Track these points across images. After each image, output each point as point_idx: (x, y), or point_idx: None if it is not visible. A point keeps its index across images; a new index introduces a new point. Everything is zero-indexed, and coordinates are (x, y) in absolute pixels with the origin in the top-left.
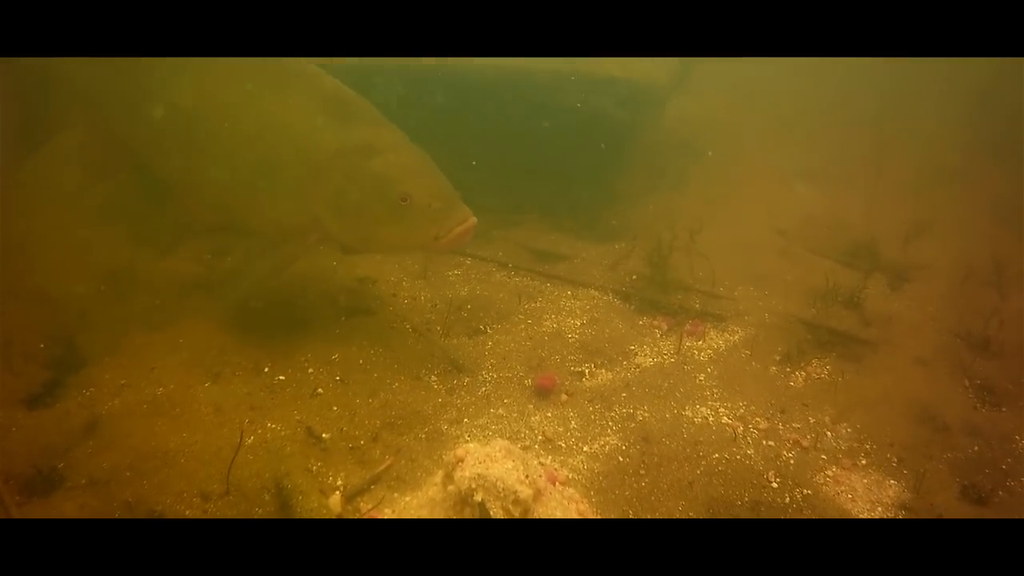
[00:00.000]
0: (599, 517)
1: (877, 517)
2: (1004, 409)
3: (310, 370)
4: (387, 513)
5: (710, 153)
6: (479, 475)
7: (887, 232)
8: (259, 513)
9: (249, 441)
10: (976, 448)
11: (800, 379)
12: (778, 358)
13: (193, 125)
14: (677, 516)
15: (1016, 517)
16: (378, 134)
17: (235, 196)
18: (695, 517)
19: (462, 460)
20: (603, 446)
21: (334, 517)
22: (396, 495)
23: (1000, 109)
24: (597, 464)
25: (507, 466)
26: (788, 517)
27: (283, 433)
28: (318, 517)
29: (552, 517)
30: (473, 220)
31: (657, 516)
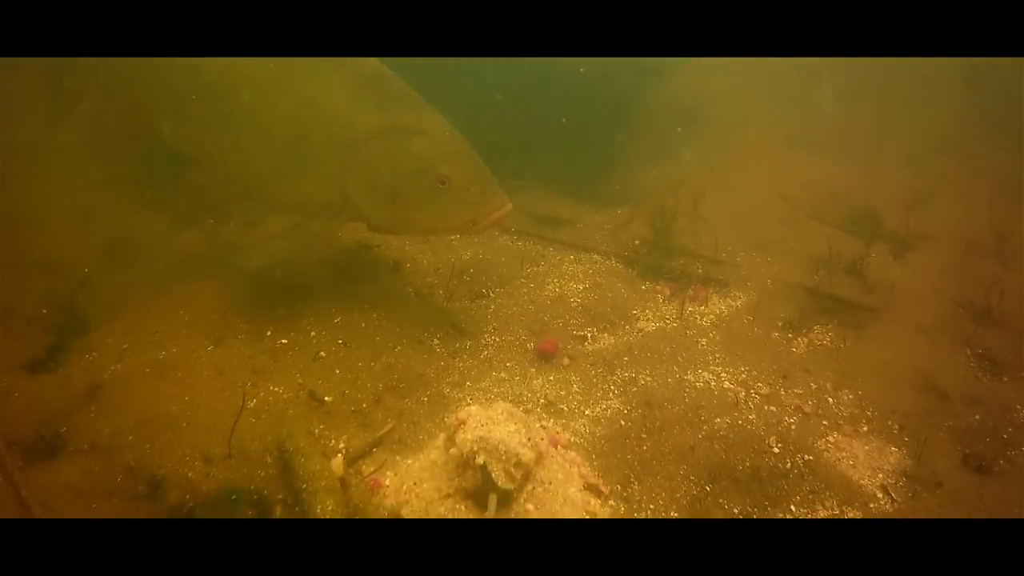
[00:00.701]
0: (601, 482)
1: (878, 483)
2: (1005, 379)
3: (312, 334)
4: (389, 476)
5: (679, 130)
6: (481, 438)
7: (889, 201)
8: (261, 476)
9: (251, 404)
10: (977, 417)
11: (802, 345)
12: (780, 324)
13: (224, 98)
14: (679, 479)
15: (1017, 487)
16: (418, 116)
17: (264, 170)
18: (697, 481)
19: (464, 423)
20: (605, 410)
21: (337, 479)
22: (398, 458)
23: (999, 81)
24: (599, 428)
25: (509, 429)
26: (789, 482)
27: (285, 396)
28: (321, 479)
29: (554, 480)
30: (510, 207)
31: (658, 479)
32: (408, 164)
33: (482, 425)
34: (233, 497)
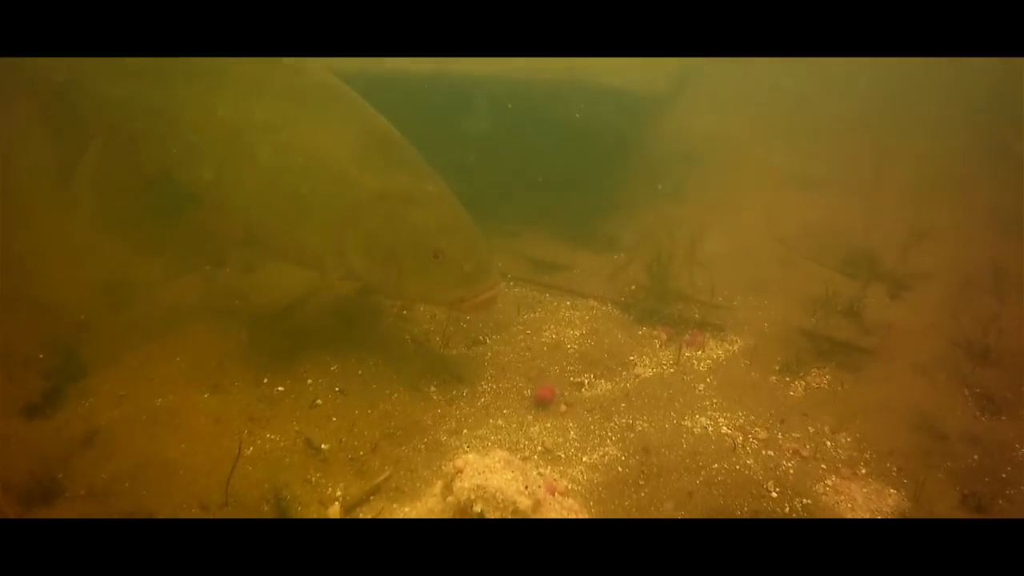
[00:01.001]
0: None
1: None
2: (1004, 417)
3: (309, 381)
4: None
5: (674, 171)
6: (478, 486)
7: (886, 240)
8: None
9: (248, 452)
10: (976, 457)
11: (799, 388)
12: (777, 367)
13: (233, 140)
14: None
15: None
16: (421, 184)
17: (265, 216)
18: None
19: (461, 471)
20: (602, 456)
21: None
22: (395, 506)
23: (998, 117)
24: (596, 474)
25: (506, 477)
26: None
27: (282, 444)
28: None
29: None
30: (500, 288)
31: None
32: (405, 233)
33: (479, 473)
34: None
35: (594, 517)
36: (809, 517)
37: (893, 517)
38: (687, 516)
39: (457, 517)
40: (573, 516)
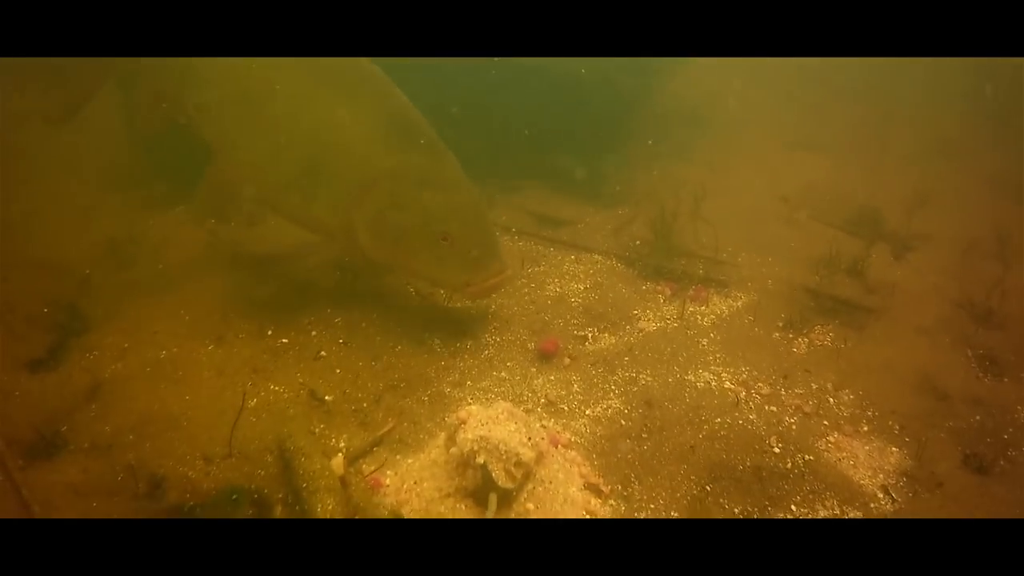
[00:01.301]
0: (601, 481)
1: (879, 484)
2: (1006, 379)
3: (313, 333)
4: (389, 475)
5: (681, 131)
6: (481, 437)
7: (890, 202)
8: (262, 475)
9: (252, 404)
10: (978, 418)
11: (803, 346)
12: (781, 324)
13: (256, 103)
14: (679, 479)
15: (1018, 487)
16: (436, 166)
17: (277, 181)
18: (697, 481)
19: (465, 422)
20: (605, 409)
21: (337, 478)
22: (398, 457)
23: (1000, 83)
24: (599, 427)
25: (509, 428)
26: (790, 482)
27: (286, 396)
28: (321, 478)
29: (554, 479)
30: (508, 273)
31: (659, 478)
32: (415, 214)
33: (483, 424)
34: (233, 496)
35: (597, 472)
36: (811, 473)
37: (895, 475)
38: (689, 470)
39: (460, 468)
40: (576, 468)
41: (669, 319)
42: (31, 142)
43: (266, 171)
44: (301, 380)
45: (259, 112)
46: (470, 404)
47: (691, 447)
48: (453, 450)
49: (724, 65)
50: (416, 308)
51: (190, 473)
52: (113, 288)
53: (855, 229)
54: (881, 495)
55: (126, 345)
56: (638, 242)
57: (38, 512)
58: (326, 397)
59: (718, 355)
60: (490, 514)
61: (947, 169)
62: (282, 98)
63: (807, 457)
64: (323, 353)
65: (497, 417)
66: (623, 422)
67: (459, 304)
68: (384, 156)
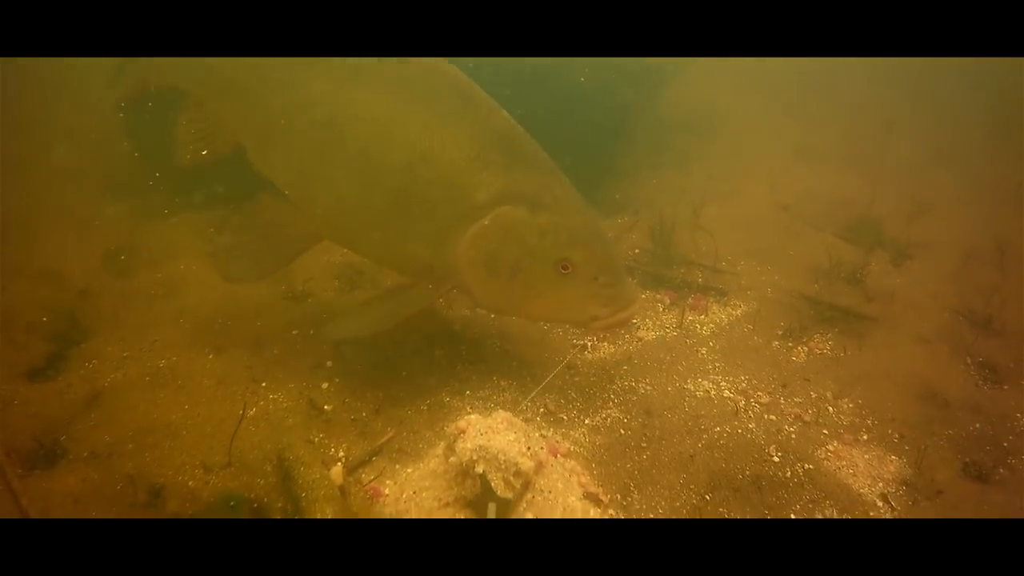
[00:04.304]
0: (601, 490)
1: (878, 492)
2: (1006, 387)
3: (312, 343)
4: (388, 484)
5: (680, 138)
6: (481, 447)
7: (889, 210)
8: (261, 484)
9: (251, 413)
10: (977, 425)
11: (802, 354)
12: (780, 333)
13: (325, 130)
14: (678, 488)
15: (1017, 495)
16: (548, 185)
17: (361, 220)
18: (696, 490)
19: (464, 432)
20: (605, 419)
21: (336, 488)
22: (398, 467)
23: (999, 92)
24: (599, 437)
25: (509, 438)
26: (789, 491)
27: (285, 405)
28: (320, 488)
29: (553, 489)
30: (638, 305)
31: (658, 488)
32: (532, 241)
33: (482, 434)
34: (232, 504)
35: (597, 481)
36: (810, 482)
37: (894, 483)
38: (688, 479)
39: (460, 477)
40: (575, 478)
41: (668, 328)
42: (30, 150)
43: (344, 210)
44: (300, 390)
45: (329, 140)
46: (469, 414)
47: (690, 456)
48: (452, 459)
49: (722, 73)
50: (415, 316)
51: (189, 482)
52: (113, 297)
53: (854, 237)
54: (880, 503)
55: (125, 354)
56: (637, 251)
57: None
58: (325, 407)
59: (717, 364)
60: None
61: (945, 177)
62: (357, 123)
63: (806, 466)
64: (329, 363)
65: (496, 427)
66: (622, 431)
67: (458, 312)
68: (490, 179)
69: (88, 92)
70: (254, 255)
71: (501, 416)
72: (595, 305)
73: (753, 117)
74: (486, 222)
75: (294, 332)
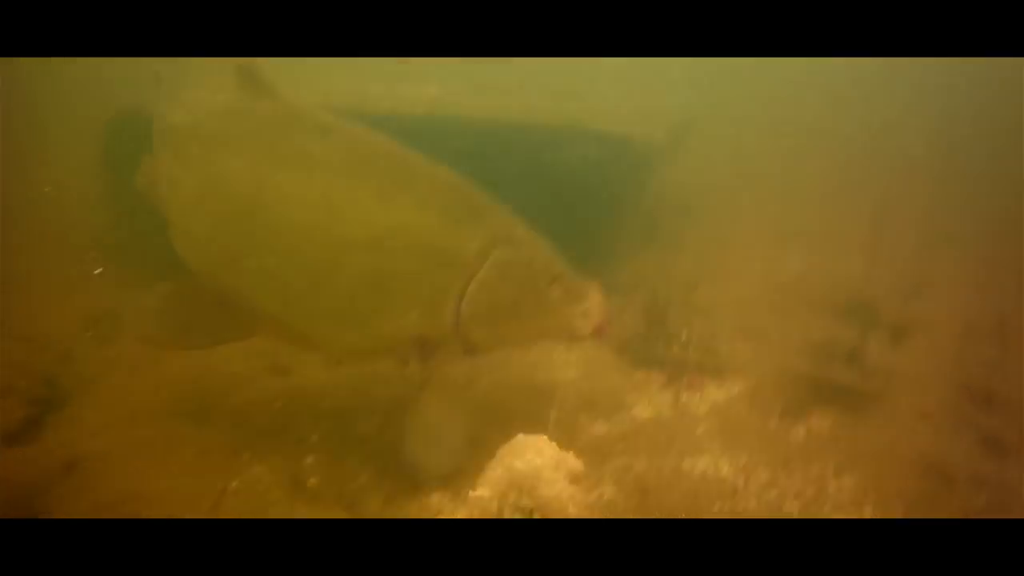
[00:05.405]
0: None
1: None
2: (1010, 461)
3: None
4: None
5: (657, 236)
6: None
7: (886, 290)
8: None
9: (233, 486)
10: (983, 500)
11: (801, 432)
12: (778, 411)
13: (254, 215)
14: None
15: None
16: (507, 222)
17: (319, 308)
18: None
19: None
20: (599, 497)
21: None
22: None
23: (996, 170)
24: (594, 515)
25: None
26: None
27: (268, 479)
28: None
29: None
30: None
31: None
32: (523, 275)
33: None
34: None
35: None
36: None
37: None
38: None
39: None
40: None
41: (663, 407)
42: (12, 208)
43: (310, 307)
44: (283, 464)
45: (268, 224)
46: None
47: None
48: None
49: (716, 152)
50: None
51: None
52: (93, 363)
53: (851, 317)
54: None
55: (105, 421)
56: (630, 331)
57: None
58: (309, 481)
59: (715, 442)
60: None
61: (944, 256)
62: (297, 201)
63: None
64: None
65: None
66: (618, 510)
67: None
68: (471, 231)
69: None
70: (182, 325)
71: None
72: (579, 307)
73: (746, 201)
74: (484, 272)
75: (277, 405)
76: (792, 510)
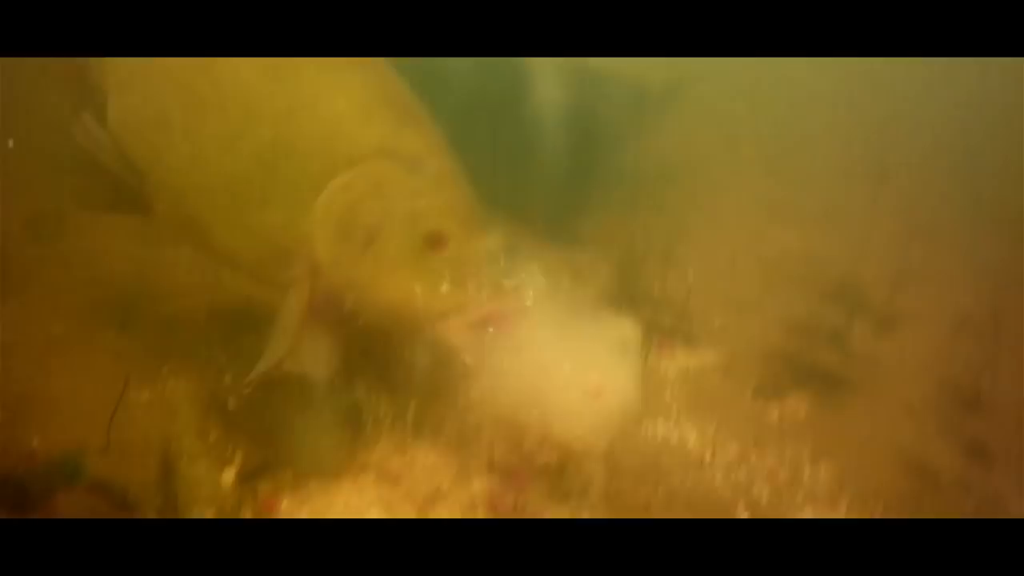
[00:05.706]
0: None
1: None
2: (996, 467)
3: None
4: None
5: (658, 188)
6: None
7: (874, 276)
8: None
9: (144, 397)
10: (970, 506)
11: (776, 411)
12: (752, 386)
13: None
14: None
15: None
16: (435, 154)
17: (217, 182)
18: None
19: None
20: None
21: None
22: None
23: (992, 168)
24: None
25: None
26: None
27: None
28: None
29: None
30: (526, 302)
31: None
32: (400, 205)
33: None
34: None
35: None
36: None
37: None
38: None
39: None
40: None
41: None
42: None
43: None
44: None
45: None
46: None
47: (645, 505)
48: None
49: (706, 127)
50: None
51: None
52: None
53: (836, 299)
54: None
55: (25, 315)
56: (597, 285)
57: None
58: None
59: (682, 410)
60: None
61: (936, 250)
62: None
63: None
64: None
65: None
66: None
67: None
68: (372, 132)
69: None
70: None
71: None
72: (461, 292)
73: (736, 170)
74: (352, 174)
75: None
76: (762, 492)
